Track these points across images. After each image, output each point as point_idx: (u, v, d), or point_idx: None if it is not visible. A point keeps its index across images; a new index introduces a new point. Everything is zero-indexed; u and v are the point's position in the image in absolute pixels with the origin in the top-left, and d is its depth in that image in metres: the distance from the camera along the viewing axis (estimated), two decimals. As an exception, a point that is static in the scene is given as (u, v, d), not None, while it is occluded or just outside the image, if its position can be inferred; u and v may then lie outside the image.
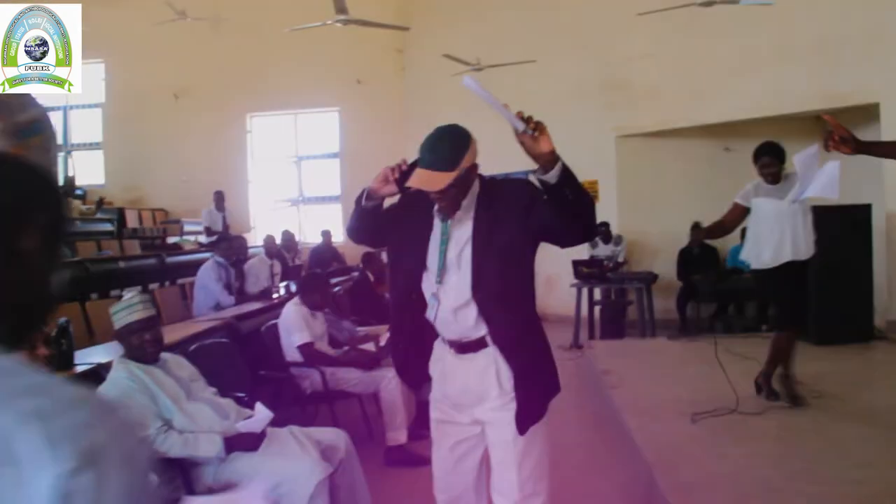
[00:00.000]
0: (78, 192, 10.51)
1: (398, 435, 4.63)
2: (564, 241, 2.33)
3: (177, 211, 13.10)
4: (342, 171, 13.43)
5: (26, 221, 0.73)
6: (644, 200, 9.64)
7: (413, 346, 2.49)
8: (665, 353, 6.73)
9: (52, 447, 0.60)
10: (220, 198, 11.34)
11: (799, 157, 4.32)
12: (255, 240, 11.61)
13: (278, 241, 9.05)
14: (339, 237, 11.39)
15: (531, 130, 2.02)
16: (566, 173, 2.08)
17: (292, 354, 4.90)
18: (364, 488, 3.32)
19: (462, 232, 2.30)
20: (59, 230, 0.76)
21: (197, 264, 6.85)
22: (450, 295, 2.32)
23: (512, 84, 10.11)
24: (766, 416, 4.49)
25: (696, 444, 4.06)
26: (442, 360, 2.43)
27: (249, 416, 3.17)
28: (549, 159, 2.05)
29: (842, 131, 2.66)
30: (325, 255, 10.31)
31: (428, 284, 2.37)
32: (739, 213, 4.77)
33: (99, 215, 10.69)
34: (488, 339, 2.32)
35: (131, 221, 11.85)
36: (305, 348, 4.83)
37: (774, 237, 4.54)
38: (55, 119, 13.26)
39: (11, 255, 0.72)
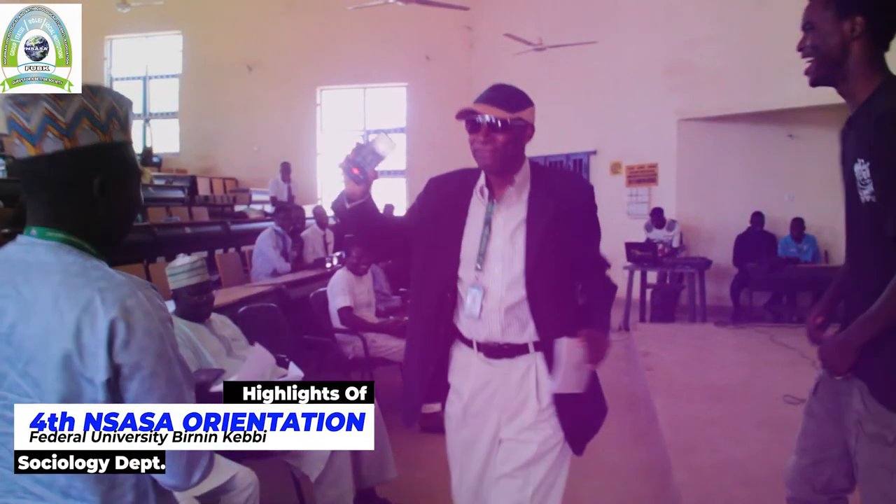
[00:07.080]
0: (155, 159, 11.01)
1: (433, 404, 4.81)
2: None
3: (247, 180, 13.58)
4: (408, 145, 13.67)
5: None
6: (703, 186, 9.51)
7: (435, 363, 2.12)
8: (709, 339, 6.74)
9: (105, 306, 1.13)
10: (286, 169, 11.73)
11: None
12: (320, 211, 11.98)
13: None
14: (401, 211, 11.61)
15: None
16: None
17: (336, 320, 5.06)
18: (387, 447, 3.47)
19: (512, 214, 2.02)
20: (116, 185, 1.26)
21: (259, 232, 7.17)
22: (496, 286, 2.00)
23: (574, 65, 10.12)
24: (797, 406, 4.49)
25: (716, 428, 4.13)
26: (466, 369, 2.10)
27: (284, 375, 3.42)
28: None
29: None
30: (386, 227, 10.54)
31: (466, 276, 2.04)
32: None
33: (172, 182, 11.18)
34: (531, 345, 2.02)
35: (202, 189, 12.34)
36: (344, 312, 4.98)
37: None
38: (136, 89, 13.93)
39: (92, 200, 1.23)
